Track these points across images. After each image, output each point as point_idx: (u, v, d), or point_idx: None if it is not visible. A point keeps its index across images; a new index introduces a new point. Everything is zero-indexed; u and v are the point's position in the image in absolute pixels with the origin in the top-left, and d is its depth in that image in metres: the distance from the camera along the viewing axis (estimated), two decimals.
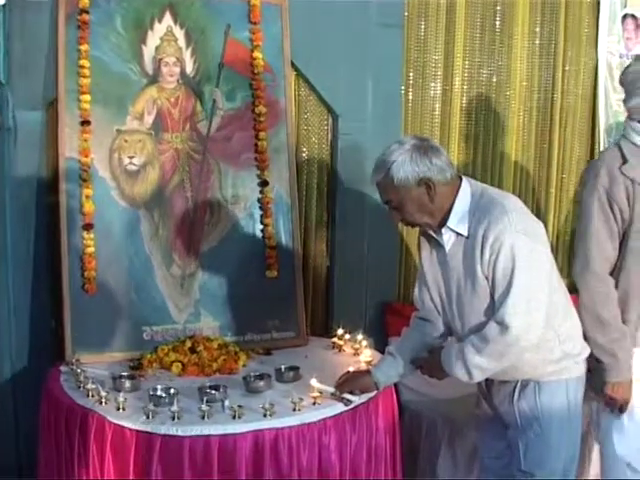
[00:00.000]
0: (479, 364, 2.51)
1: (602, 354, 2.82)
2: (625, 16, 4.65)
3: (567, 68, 4.53)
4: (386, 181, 2.51)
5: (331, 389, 2.81)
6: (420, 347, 2.79)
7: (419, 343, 2.80)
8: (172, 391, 2.82)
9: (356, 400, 2.79)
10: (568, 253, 4.56)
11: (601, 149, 4.57)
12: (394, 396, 3.07)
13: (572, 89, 4.56)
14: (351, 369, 3.01)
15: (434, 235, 2.64)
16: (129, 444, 2.60)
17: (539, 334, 2.46)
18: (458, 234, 2.56)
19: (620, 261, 2.86)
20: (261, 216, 3.63)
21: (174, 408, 2.63)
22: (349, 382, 2.83)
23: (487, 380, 2.72)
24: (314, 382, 2.80)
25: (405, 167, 2.48)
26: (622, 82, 2.99)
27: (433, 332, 2.79)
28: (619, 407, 2.91)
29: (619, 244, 2.86)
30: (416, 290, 2.82)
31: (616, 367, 2.83)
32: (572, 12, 4.49)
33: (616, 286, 2.86)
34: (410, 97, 4.15)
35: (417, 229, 2.77)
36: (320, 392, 2.78)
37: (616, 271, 2.87)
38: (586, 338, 2.77)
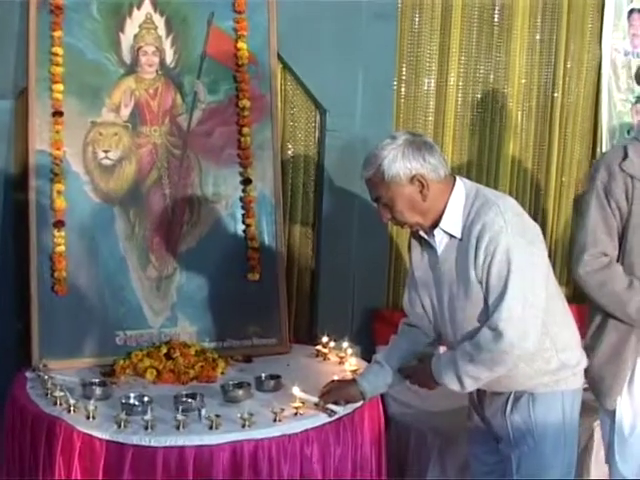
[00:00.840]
0: (471, 373, 2.51)
1: (637, 323, 2.85)
2: (632, 11, 4.67)
3: (569, 65, 4.54)
4: (376, 177, 2.52)
5: (314, 399, 2.80)
6: (409, 355, 2.79)
7: (408, 351, 2.80)
8: (146, 399, 2.81)
9: (340, 411, 2.79)
10: (567, 260, 4.57)
11: (603, 151, 4.59)
12: (380, 407, 3.07)
13: (574, 87, 4.57)
14: (336, 378, 3.01)
15: (425, 237, 2.64)
16: (99, 455, 2.58)
17: (535, 342, 2.47)
18: (451, 236, 2.56)
19: (621, 259, 2.88)
20: (243, 216, 3.63)
21: (147, 417, 2.62)
22: (333, 392, 2.82)
23: (479, 391, 2.72)
24: (296, 391, 2.80)
25: (397, 163, 2.49)
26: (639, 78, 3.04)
27: (423, 339, 2.79)
28: None
29: (619, 243, 2.88)
30: (405, 295, 2.82)
31: None
32: (575, 6, 4.50)
33: None
34: (402, 92, 4.15)
35: (408, 231, 2.77)
36: (302, 402, 2.78)
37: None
38: (620, 321, 2.83)
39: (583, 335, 2.87)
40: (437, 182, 2.53)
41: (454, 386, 2.56)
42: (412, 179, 2.50)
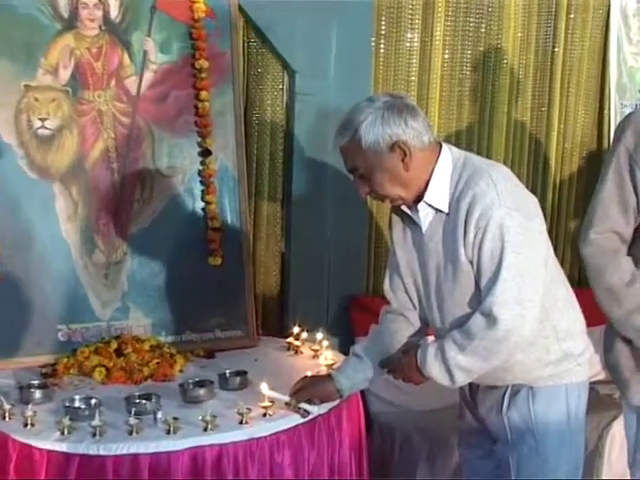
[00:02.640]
0: (462, 364, 2.51)
1: (623, 329, 2.83)
2: None
3: (572, 16, 4.55)
4: (352, 145, 2.51)
5: (285, 398, 2.80)
6: (392, 346, 2.79)
7: (391, 342, 2.79)
8: (93, 402, 2.81)
9: (315, 411, 2.79)
10: (571, 239, 4.59)
11: (611, 113, 4.60)
12: (361, 406, 3.08)
13: (577, 41, 4.58)
14: (309, 374, 3.00)
15: (408, 212, 2.64)
16: (39, 467, 2.56)
17: (534, 328, 2.48)
18: (437, 210, 2.56)
19: (635, 248, 2.86)
20: (202, 192, 3.63)
21: (95, 422, 2.61)
22: (307, 389, 2.82)
23: (471, 386, 2.73)
24: (265, 389, 2.80)
25: (375, 128, 2.48)
26: None
27: (407, 328, 2.79)
28: None
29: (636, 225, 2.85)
30: (386, 279, 2.82)
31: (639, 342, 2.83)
32: None
33: None
34: (382, 50, 4.15)
35: (389, 206, 2.76)
36: (272, 401, 2.78)
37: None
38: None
39: (589, 322, 2.84)
40: (421, 150, 2.52)
41: (443, 380, 2.56)
42: (393, 146, 2.49)
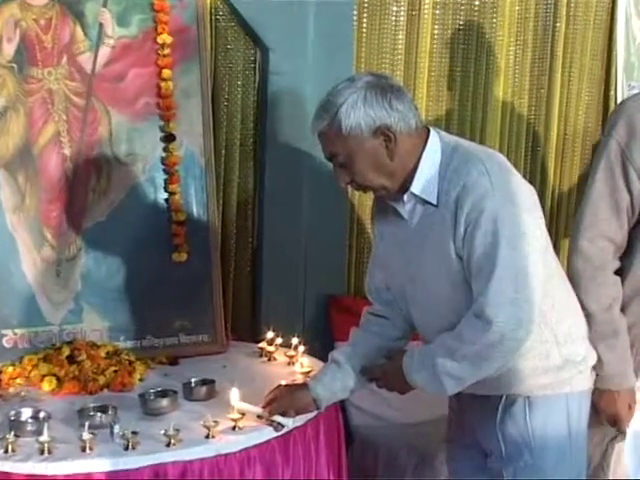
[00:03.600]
0: (452, 372, 2.51)
1: None
2: None
3: None
4: (332, 129, 2.52)
5: (257, 409, 2.80)
6: (375, 352, 2.80)
7: (373, 347, 2.81)
8: (41, 415, 2.80)
9: (289, 424, 2.79)
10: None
11: (618, 94, 4.61)
12: (340, 418, 3.10)
13: (581, 15, 4.59)
14: (284, 383, 3.01)
15: (393, 204, 2.64)
16: None
17: (530, 332, 2.47)
18: (424, 202, 2.56)
19: (628, 255, 2.87)
20: (165, 181, 3.62)
21: (44, 438, 2.59)
22: (280, 400, 2.82)
23: (461, 395, 2.71)
24: (234, 400, 2.80)
25: (357, 111, 2.48)
26: None
27: (391, 332, 2.81)
28: (611, 422, 2.93)
29: (630, 228, 2.86)
30: (368, 277, 2.83)
31: (601, 371, 2.84)
32: None
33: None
34: (364, 25, 4.15)
35: (371, 197, 2.76)
36: (242, 413, 2.78)
37: (623, 268, 2.89)
38: None
39: None
40: (407, 135, 2.53)
41: (432, 389, 2.57)
42: (376, 131, 2.50)
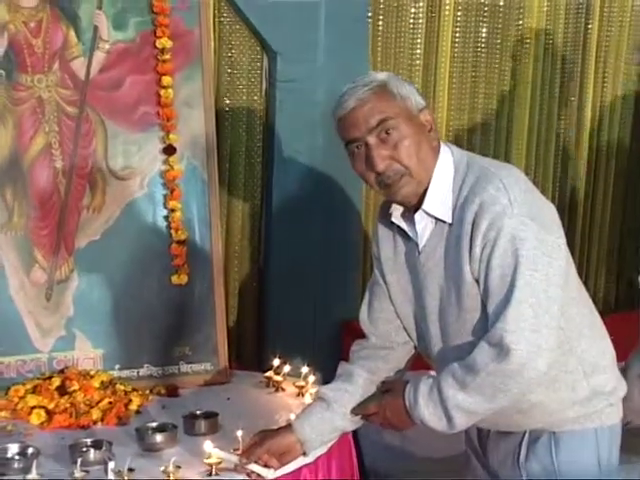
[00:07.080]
0: (464, 405, 2.47)
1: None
2: None
3: None
4: (383, 92, 2.51)
5: (234, 458, 2.71)
6: (368, 390, 2.76)
7: (367, 384, 2.77)
8: (30, 451, 2.80)
9: (269, 475, 2.69)
10: (606, 262, 4.51)
11: None
12: (353, 453, 3.08)
13: (616, 14, 4.61)
14: (293, 417, 2.93)
15: (402, 224, 2.63)
16: None
17: (550, 361, 2.45)
18: (437, 220, 2.54)
19: None
20: (165, 197, 3.63)
21: (32, 476, 2.60)
22: (260, 445, 2.73)
23: (480, 431, 2.72)
24: (209, 446, 2.72)
25: (405, 84, 2.54)
26: None
27: (386, 369, 2.79)
28: None
29: None
30: (364, 306, 2.81)
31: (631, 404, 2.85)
32: None
33: None
34: (380, 28, 4.19)
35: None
36: (220, 460, 2.72)
37: None
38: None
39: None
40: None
41: (438, 424, 2.51)
42: (422, 109, 2.54)
